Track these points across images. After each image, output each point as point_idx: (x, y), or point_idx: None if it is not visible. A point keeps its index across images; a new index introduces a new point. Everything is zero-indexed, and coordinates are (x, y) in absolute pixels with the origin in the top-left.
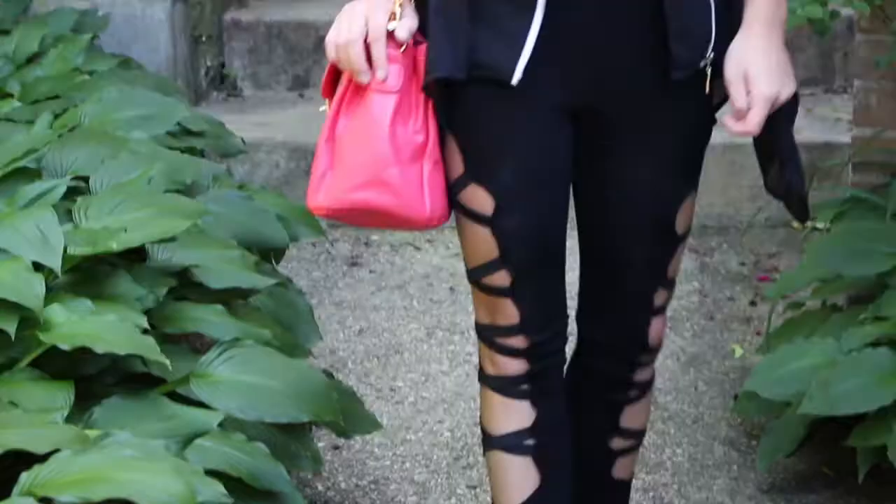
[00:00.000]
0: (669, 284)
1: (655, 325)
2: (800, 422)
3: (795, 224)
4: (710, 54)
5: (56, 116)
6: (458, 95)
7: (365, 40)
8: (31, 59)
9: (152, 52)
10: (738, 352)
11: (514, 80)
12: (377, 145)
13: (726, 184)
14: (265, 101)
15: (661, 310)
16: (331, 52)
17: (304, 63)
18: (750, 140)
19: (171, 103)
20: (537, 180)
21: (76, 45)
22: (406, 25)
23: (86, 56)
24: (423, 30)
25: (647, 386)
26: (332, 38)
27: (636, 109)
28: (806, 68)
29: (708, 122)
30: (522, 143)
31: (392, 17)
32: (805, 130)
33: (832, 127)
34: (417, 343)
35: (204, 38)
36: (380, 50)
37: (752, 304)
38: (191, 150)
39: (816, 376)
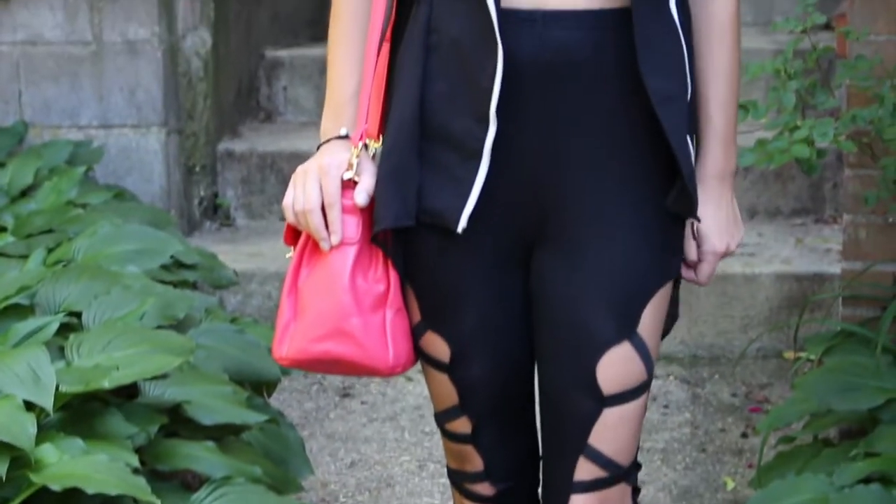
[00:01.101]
0: (606, 464)
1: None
2: None
3: (786, 354)
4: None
5: (50, 251)
6: (411, 242)
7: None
8: (26, 192)
9: (146, 182)
10: (731, 485)
11: (460, 229)
12: (338, 297)
13: (717, 314)
14: (258, 231)
15: (592, 487)
16: (289, 217)
17: None
18: (741, 271)
19: (165, 238)
20: (493, 327)
21: (70, 177)
22: (365, 187)
23: (80, 188)
24: None
25: None
26: (288, 204)
27: (581, 240)
28: (796, 198)
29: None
30: (475, 291)
31: (349, 166)
32: (795, 261)
33: (822, 257)
34: (409, 476)
35: (198, 169)
36: (335, 215)
37: (744, 435)
38: (183, 283)
39: None
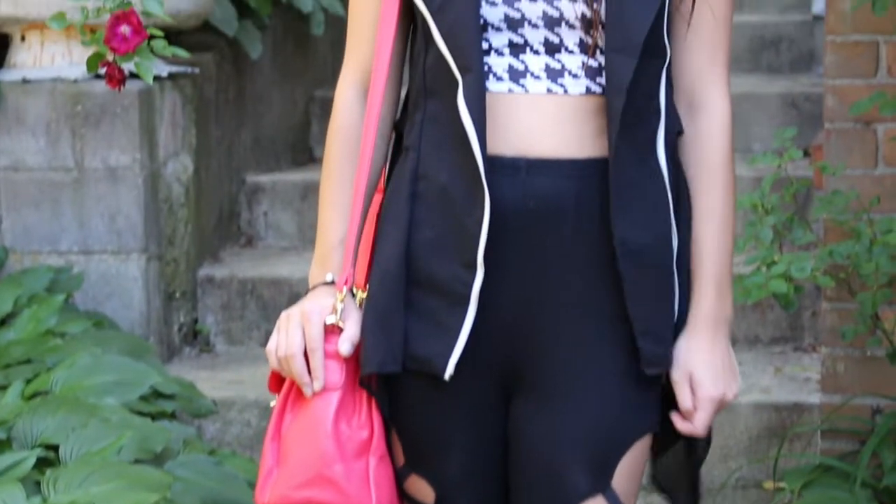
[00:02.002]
0: None
1: None
2: None
3: (766, 485)
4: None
5: (28, 382)
6: (396, 386)
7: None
8: (5, 321)
9: (126, 308)
10: None
11: (447, 376)
12: (321, 443)
13: None
14: (238, 357)
15: None
16: (272, 362)
17: (276, 319)
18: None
19: (143, 369)
20: (477, 471)
21: (50, 306)
22: (349, 336)
23: (59, 317)
24: None
25: None
26: (271, 349)
27: (565, 385)
28: (775, 327)
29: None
30: (459, 435)
31: (333, 310)
32: (774, 390)
33: (802, 386)
34: None
35: (178, 295)
36: (317, 361)
37: None
38: (162, 413)
39: None
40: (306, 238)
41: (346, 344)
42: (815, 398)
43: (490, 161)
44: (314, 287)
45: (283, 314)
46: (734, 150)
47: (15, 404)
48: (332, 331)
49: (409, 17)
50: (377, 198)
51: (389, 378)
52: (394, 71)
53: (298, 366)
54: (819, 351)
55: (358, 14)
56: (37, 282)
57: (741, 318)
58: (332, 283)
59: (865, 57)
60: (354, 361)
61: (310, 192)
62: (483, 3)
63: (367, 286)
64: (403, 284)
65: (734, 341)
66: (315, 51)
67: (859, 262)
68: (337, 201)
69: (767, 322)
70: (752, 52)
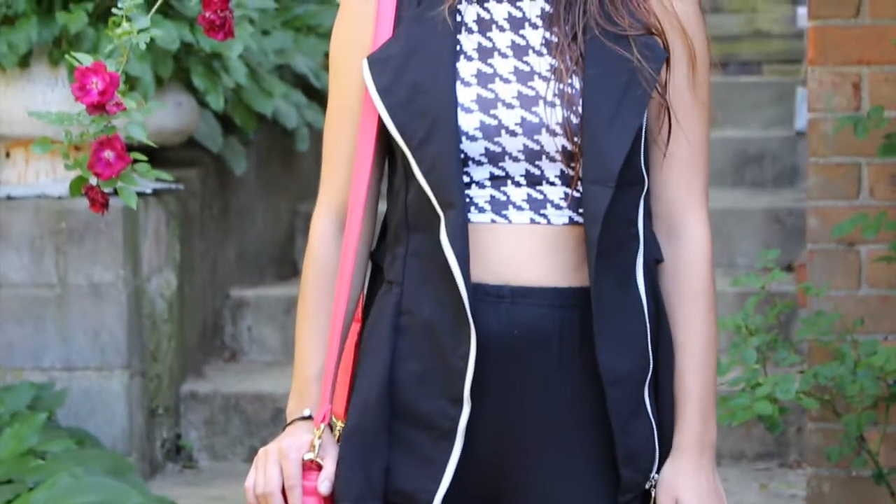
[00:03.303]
0: None
1: None
2: None
3: None
4: (654, 475)
5: (8, 503)
6: None
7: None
8: None
9: (109, 425)
10: None
11: None
12: None
13: None
14: (221, 473)
15: None
16: (250, 499)
17: (260, 434)
18: None
19: (124, 489)
20: None
21: (32, 424)
22: (327, 475)
23: (41, 435)
24: None
25: None
26: (249, 486)
27: None
28: (760, 443)
29: None
30: None
31: (311, 447)
32: None
33: (787, 503)
34: None
35: (161, 411)
36: (295, 499)
37: None
38: None
39: None
40: (290, 352)
41: (325, 483)
42: None
43: (473, 288)
44: (291, 422)
45: (261, 451)
46: (716, 268)
47: None
48: (310, 467)
49: (385, 150)
50: (354, 327)
51: None
52: (370, 203)
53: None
54: (804, 468)
55: (333, 144)
56: (19, 399)
57: (726, 435)
58: (310, 417)
59: (847, 179)
60: (332, 498)
61: (294, 307)
62: (463, 139)
63: (346, 418)
64: (386, 417)
65: (719, 457)
66: (299, 166)
67: (844, 384)
68: (314, 335)
69: (752, 438)
70: (736, 168)
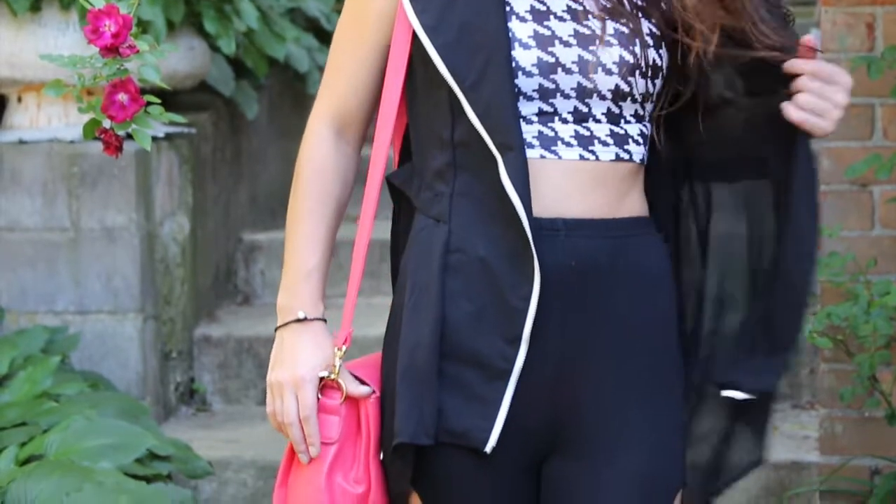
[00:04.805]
0: None
1: None
2: None
3: None
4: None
5: (22, 445)
6: (426, 456)
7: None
8: (1, 382)
9: (122, 368)
10: None
11: (489, 448)
12: (314, 496)
13: None
14: (234, 416)
15: None
16: (273, 425)
17: None
18: None
19: (138, 432)
20: None
21: (45, 367)
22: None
23: (55, 378)
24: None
25: None
26: (270, 413)
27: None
28: None
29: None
30: (496, 502)
31: (331, 368)
32: (773, 449)
33: (800, 445)
34: None
35: (174, 354)
36: (312, 428)
37: None
38: (157, 476)
39: None
40: None
41: (313, 448)
42: (813, 457)
43: (533, 227)
44: (285, 324)
45: (275, 379)
46: None
47: (8, 470)
48: (329, 385)
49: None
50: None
51: (417, 448)
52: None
53: (296, 434)
54: (817, 409)
55: (340, 53)
56: (32, 342)
57: None
58: (304, 320)
59: (861, 119)
60: (354, 414)
61: None
62: (519, 74)
63: (399, 356)
64: (437, 357)
65: None
66: (311, 109)
67: (857, 324)
68: (309, 233)
69: None
70: None
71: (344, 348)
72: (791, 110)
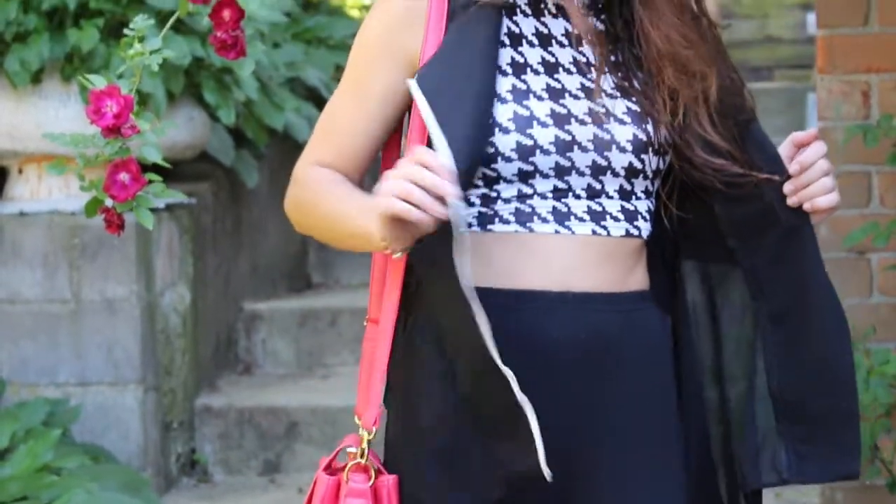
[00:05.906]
0: None
1: None
2: None
3: None
4: None
5: None
6: None
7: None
8: (2, 455)
9: (123, 440)
10: None
11: (548, 475)
12: None
13: None
14: (236, 487)
15: None
16: (392, 209)
17: (274, 448)
18: None
19: None
20: None
21: (46, 440)
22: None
23: (56, 451)
24: (387, 463)
25: None
26: (386, 193)
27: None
28: None
29: None
30: None
31: (361, 454)
32: None
33: None
34: None
35: (175, 425)
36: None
37: None
38: None
39: None
40: (304, 365)
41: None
42: None
43: (538, 295)
44: None
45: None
46: None
47: None
48: (357, 469)
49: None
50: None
51: None
52: None
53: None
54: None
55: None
56: (34, 415)
57: None
58: None
59: (857, 187)
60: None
61: (307, 319)
62: (537, 153)
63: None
64: (468, 426)
65: None
66: None
67: None
68: (343, 193)
69: None
70: None
71: (374, 429)
72: (819, 202)
